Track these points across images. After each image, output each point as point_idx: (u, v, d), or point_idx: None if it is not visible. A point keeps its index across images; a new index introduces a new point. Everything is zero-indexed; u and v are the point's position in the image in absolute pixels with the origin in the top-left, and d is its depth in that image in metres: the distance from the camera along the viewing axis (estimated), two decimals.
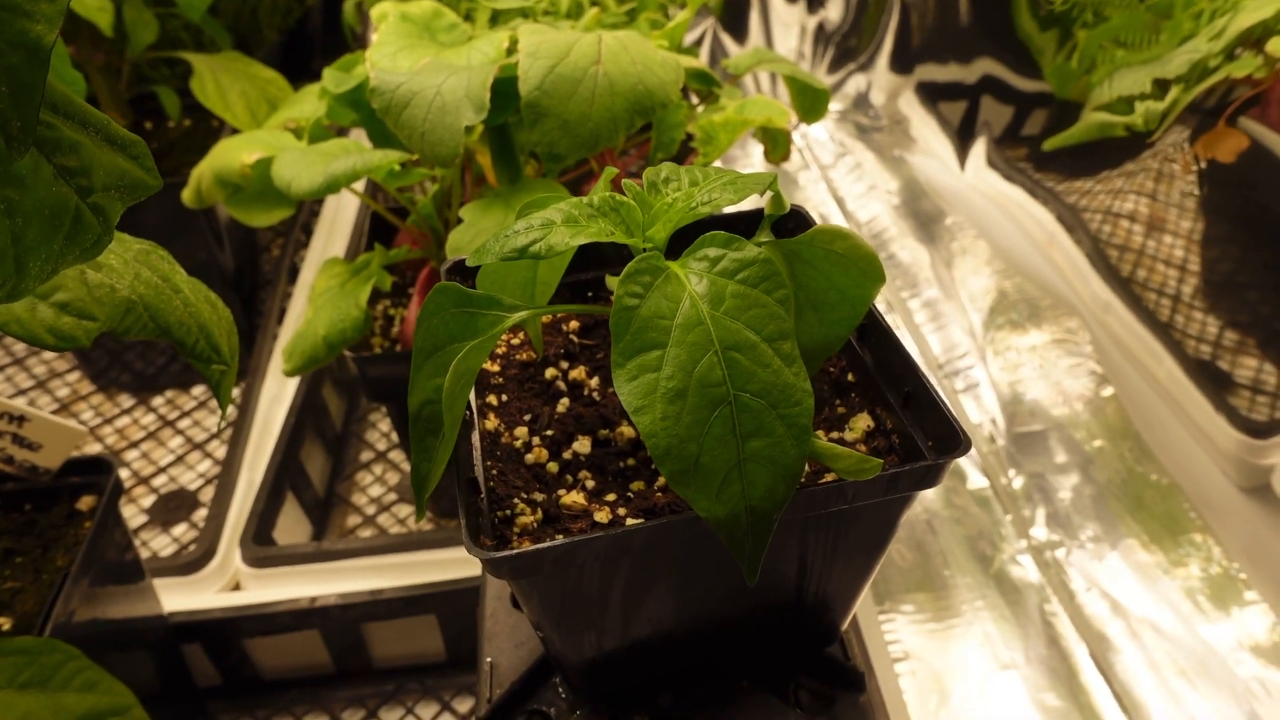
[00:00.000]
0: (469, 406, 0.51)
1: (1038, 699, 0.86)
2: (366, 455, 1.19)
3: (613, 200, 0.41)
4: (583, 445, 0.50)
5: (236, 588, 0.93)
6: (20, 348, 1.38)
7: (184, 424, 1.25)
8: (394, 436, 1.22)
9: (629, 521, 0.43)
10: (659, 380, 0.37)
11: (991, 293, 1.31)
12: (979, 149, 1.44)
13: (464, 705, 0.92)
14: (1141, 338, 1.09)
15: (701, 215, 0.41)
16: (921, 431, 0.47)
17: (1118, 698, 0.84)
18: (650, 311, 0.38)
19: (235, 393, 1.17)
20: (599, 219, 0.41)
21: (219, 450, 1.20)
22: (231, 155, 0.86)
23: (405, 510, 1.11)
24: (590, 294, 0.60)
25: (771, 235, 0.48)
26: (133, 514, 1.11)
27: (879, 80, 1.76)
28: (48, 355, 1.36)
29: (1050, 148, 1.27)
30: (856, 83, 1.81)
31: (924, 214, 1.50)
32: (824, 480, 0.45)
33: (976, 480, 1.09)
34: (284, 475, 1.03)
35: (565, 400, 0.53)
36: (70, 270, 0.46)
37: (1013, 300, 1.29)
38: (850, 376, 0.53)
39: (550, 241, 0.39)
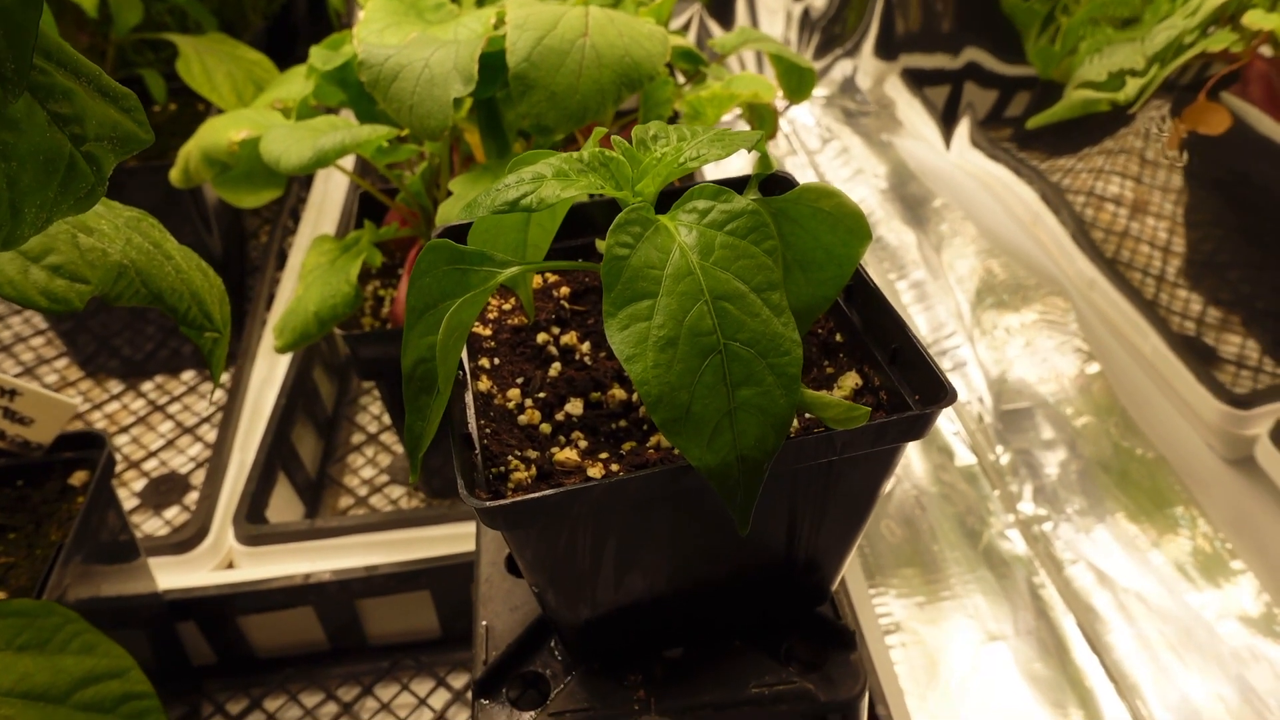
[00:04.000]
0: (461, 367, 0.51)
1: (1027, 669, 0.87)
2: (358, 438, 1.19)
3: (602, 155, 0.42)
4: (575, 407, 0.50)
5: (230, 566, 0.93)
6: (7, 334, 1.37)
7: (174, 409, 1.24)
8: (385, 419, 1.22)
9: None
10: (650, 329, 0.38)
11: (978, 273, 1.32)
12: (963, 129, 1.45)
13: (459, 681, 0.93)
14: (1126, 313, 1.10)
15: (690, 169, 0.42)
16: (909, 387, 0.48)
17: (1106, 668, 0.85)
18: (641, 262, 0.38)
19: (225, 377, 1.16)
20: (589, 173, 0.41)
21: (209, 434, 1.20)
22: (219, 133, 0.86)
23: (397, 491, 1.11)
24: (579, 259, 0.60)
25: (759, 194, 0.48)
26: (124, 498, 1.11)
27: (865, 65, 1.77)
28: (35, 341, 1.36)
29: (1034, 125, 1.28)
30: (842, 68, 1.81)
31: (911, 197, 1.51)
32: (813, 433, 0.45)
33: (964, 457, 1.10)
34: (275, 456, 1.03)
35: (557, 365, 0.53)
36: (62, 233, 0.46)
37: (1000, 280, 1.30)
38: (838, 337, 0.54)
39: (541, 194, 0.39)
